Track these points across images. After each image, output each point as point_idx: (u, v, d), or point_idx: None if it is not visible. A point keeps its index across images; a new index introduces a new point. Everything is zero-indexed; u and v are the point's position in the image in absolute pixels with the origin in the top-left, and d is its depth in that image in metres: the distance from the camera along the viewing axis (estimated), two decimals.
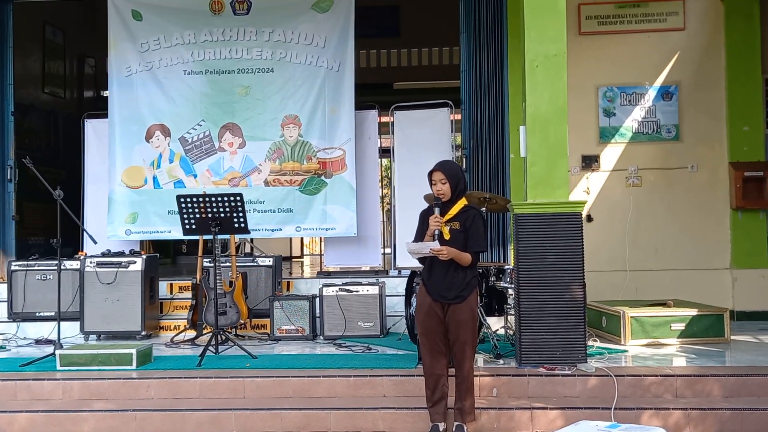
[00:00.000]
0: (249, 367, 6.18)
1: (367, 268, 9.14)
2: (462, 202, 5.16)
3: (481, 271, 7.35)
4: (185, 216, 6.65)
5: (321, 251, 10.04)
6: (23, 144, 11.04)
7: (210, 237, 6.79)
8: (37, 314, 8.20)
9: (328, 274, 9.16)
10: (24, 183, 9.92)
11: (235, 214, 6.60)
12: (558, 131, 6.07)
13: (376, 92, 12.48)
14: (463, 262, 5.03)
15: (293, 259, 15.76)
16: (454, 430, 5.17)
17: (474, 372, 5.25)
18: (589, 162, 8.99)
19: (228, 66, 9.25)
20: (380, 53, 13.80)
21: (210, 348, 6.63)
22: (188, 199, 6.63)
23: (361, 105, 9.50)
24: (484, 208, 6.89)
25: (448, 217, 5.10)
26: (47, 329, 7.97)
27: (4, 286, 8.45)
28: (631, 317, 7.05)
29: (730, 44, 8.85)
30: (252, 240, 11.04)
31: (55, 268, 8.08)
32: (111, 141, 9.35)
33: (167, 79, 9.29)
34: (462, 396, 5.18)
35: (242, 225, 6.69)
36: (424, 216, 5.21)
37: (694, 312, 7.06)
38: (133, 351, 6.23)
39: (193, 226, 6.69)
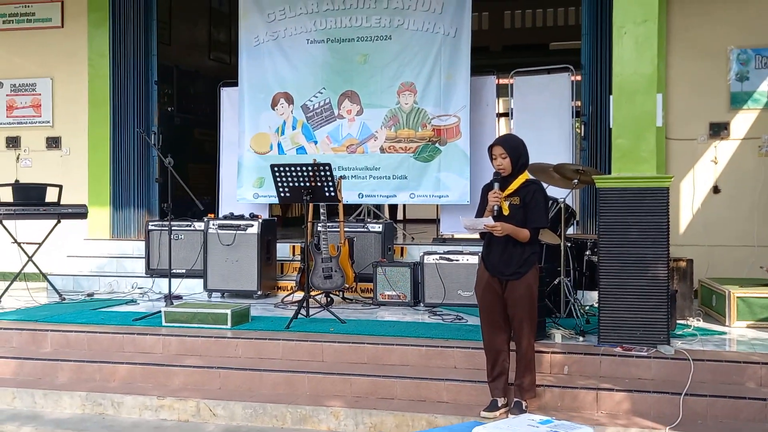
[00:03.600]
0: (332, 331, 6.42)
1: None
2: (523, 177, 5.07)
3: (578, 243, 7.20)
4: (279, 184, 6.93)
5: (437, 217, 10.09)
6: (188, 108, 11.93)
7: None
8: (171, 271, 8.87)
9: (443, 241, 9.23)
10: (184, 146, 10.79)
11: (324, 183, 6.80)
12: (646, 103, 5.77)
13: (496, 55, 12.33)
14: (520, 238, 4.97)
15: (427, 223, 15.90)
16: (512, 406, 5.16)
17: (534, 348, 5.18)
18: (718, 130, 8.44)
19: (348, 34, 9.45)
20: (502, 14, 13.58)
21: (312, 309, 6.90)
22: (281, 169, 6.91)
23: (479, 71, 9.42)
24: (576, 180, 6.71)
25: (507, 192, 5.04)
26: (179, 285, 8.58)
27: (144, 243, 9.17)
28: (738, 297, 6.64)
29: None
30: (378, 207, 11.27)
31: (186, 228, 8.80)
32: (240, 108, 9.85)
33: (291, 48, 9.64)
34: (521, 373, 5.15)
35: (332, 194, 6.89)
36: (486, 191, 5.17)
37: None
38: (229, 311, 6.64)
39: (287, 194, 6.97)
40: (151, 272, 8.97)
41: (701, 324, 6.69)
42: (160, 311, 6.92)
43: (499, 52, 14.10)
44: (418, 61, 9.22)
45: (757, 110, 8.34)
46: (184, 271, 8.67)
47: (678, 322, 6.51)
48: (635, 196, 5.73)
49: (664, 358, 5.49)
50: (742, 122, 8.39)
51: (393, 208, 12.97)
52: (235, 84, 10.01)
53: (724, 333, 6.41)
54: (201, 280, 8.46)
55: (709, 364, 5.40)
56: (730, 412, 5.04)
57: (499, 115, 10.08)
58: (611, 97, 6.00)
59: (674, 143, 8.49)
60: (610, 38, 8.53)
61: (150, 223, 9.07)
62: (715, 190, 8.46)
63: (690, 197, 8.50)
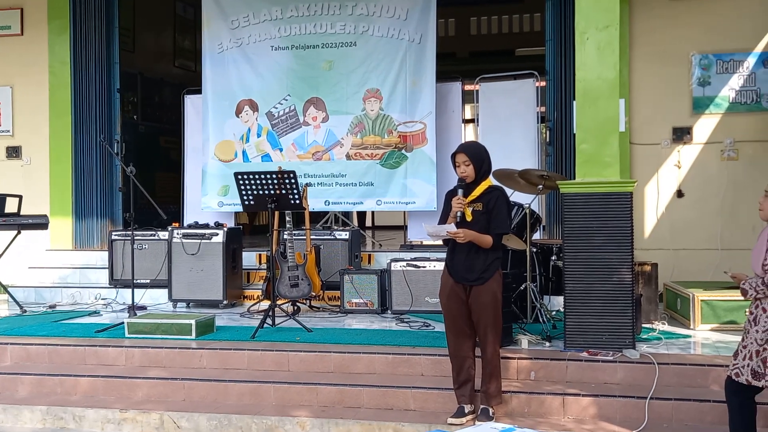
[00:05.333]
0: (299, 340, 6.36)
1: None
2: (486, 183, 5.07)
3: (544, 249, 7.21)
4: (244, 192, 6.87)
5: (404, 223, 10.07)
6: (153, 116, 11.80)
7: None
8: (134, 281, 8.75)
9: (411, 248, 9.19)
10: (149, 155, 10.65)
11: (290, 191, 6.75)
12: (609, 108, 5.78)
13: (462, 62, 12.39)
14: (483, 245, 4.95)
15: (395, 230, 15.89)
16: (479, 412, 5.14)
17: (500, 355, 5.17)
18: (681, 134, 8.51)
19: (313, 41, 9.42)
20: (468, 21, 13.65)
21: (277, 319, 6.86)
22: (246, 177, 6.85)
23: (445, 77, 9.43)
24: (541, 185, 6.72)
25: (471, 198, 5.03)
26: (143, 296, 8.45)
27: (107, 254, 9.03)
28: (702, 300, 6.70)
29: None
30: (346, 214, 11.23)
31: (150, 238, 8.69)
32: (204, 116, 9.77)
33: (256, 54, 9.59)
34: (487, 379, 5.12)
35: (297, 201, 6.84)
36: (449, 197, 5.15)
37: None
38: (193, 321, 6.55)
39: (252, 202, 6.91)
40: (115, 283, 8.84)
41: (666, 327, 6.73)
42: (123, 322, 6.81)
43: (465, 59, 14.17)
44: (383, 68, 9.20)
45: (718, 115, 8.42)
46: (148, 281, 8.57)
47: (643, 325, 6.55)
48: (599, 200, 5.75)
49: (629, 363, 5.50)
50: (704, 127, 8.46)
51: (361, 215, 12.94)
52: (200, 91, 9.93)
53: (688, 336, 6.45)
54: (165, 291, 8.36)
55: (674, 368, 5.43)
56: (695, 416, 5.06)
57: (466, 121, 10.09)
58: (575, 102, 6.02)
59: (638, 148, 8.55)
60: (573, 44, 8.61)
61: (113, 233, 8.95)
62: (679, 194, 8.53)
63: (654, 201, 8.56)
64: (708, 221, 8.43)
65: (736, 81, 8.35)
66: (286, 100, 9.48)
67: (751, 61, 8.32)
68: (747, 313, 4.33)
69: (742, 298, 4.39)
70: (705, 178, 8.47)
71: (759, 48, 8.30)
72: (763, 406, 4.44)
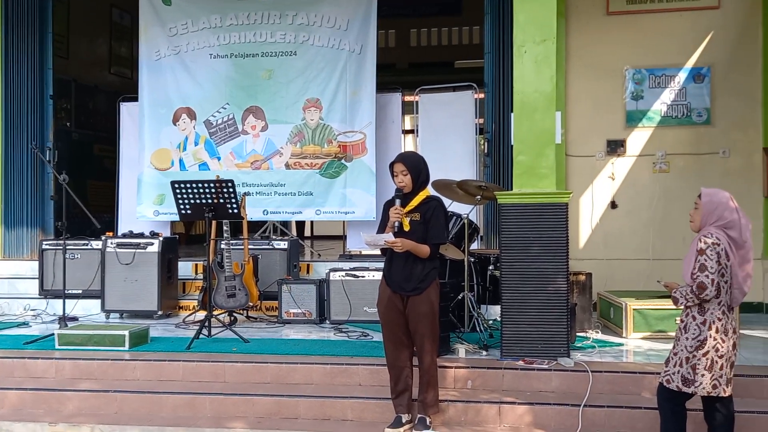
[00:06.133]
0: (235, 351, 6.28)
1: None
2: (424, 193, 5.09)
3: (481, 258, 7.27)
4: (180, 201, 6.78)
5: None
6: (87, 124, 11.55)
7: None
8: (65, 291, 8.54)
9: (350, 258, 9.19)
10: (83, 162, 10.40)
11: (227, 200, 6.68)
12: (545, 120, 5.87)
13: (402, 73, 12.48)
14: (421, 254, 4.97)
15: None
16: (417, 422, 5.14)
17: (437, 364, 5.18)
18: (615, 147, 8.69)
19: (252, 49, 9.36)
20: (408, 32, 13.77)
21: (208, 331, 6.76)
22: (182, 185, 6.77)
23: (385, 87, 9.47)
24: (479, 196, 6.79)
25: (409, 208, 5.04)
26: (74, 306, 8.23)
27: (38, 263, 8.79)
28: (634, 309, 6.83)
29: (767, 23, 8.37)
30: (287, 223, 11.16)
31: (83, 247, 8.49)
32: (141, 124, 9.62)
33: (194, 63, 9.48)
34: (424, 388, 5.13)
35: (235, 211, 6.78)
36: (387, 207, 5.16)
37: None
38: (126, 332, 6.42)
39: (189, 211, 6.82)
40: (45, 293, 8.61)
41: (600, 336, 6.85)
42: (53, 334, 6.64)
43: (405, 70, 14.26)
44: (323, 77, 9.20)
45: (651, 128, 8.63)
46: (80, 291, 8.37)
47: (578, 334, 6.65)
48: (536, 211, 5.82)
49: (564, 371, 5.58)
50: (637, 139, 8.66)
51: (300, 225, 12.86)
52: (136, 99, 9.78)
53: (621, 344, 6.57)
54: (98, 301, 8.18)
55: (607, 375, 5.52)
56: (627, 422, 5.15)
57: (405, 132, 10.15)
58: (513, 114, 6.09)
59: (573, 160, 8.71)
60: (511, 57, 8.74)
61: (44, 242, 8.73)
62: (613, 205, 8.71)
63: (589, 212, 8.72)
64: (640, 232, 8.62)
65: (667, 95, 8.58)
66: (225, 108, 9.40)
67: (682, 76, 8.55)
68: (678, 322, 4.43)
69: (673, 306, 4.49)
70: (637, 190, 8.66)
71: (689, 63, 8.55)
72: (693, 413, 4.53)
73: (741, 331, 6.59)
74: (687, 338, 4.30)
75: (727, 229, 4.28)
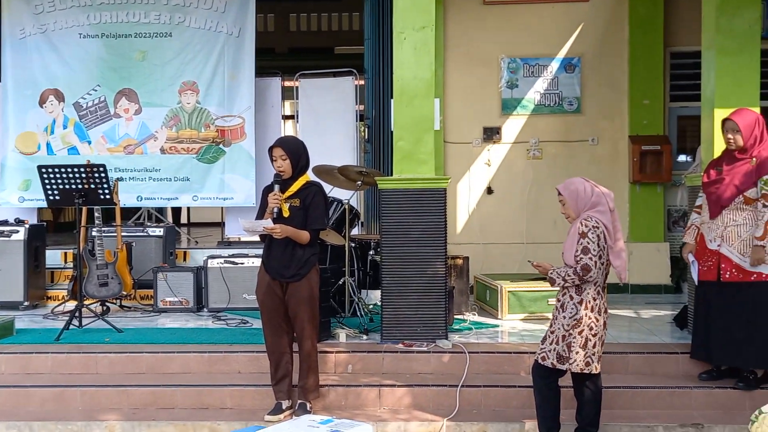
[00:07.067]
0: (108, 341, 6.07)
1: None
2: (304, 179, 5.05)
3: (362, 244, 7.30)
4: (48, 187, 6.48)
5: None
6: None
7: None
8: None
9: (229, 244, 9.02)
10: None
11: (99, 185, 6.43)
12: (424, 106, 5.93)
13: (282, 57, 12.37)
14: (301, 240, 4.94)
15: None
16: (297, 407, 5.12)
17: (317, 349, 5.18)
18: (491, 134, 8.90)
19: (125, 30, 9.04)
20: (287, 17, 13.65)
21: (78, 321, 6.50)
22: (50, 170, 6.47)
23: (264, 72, 9.34)
24: (360, 182, 6.80)
25: (288, 194, 5.00)
26: None
27: None
28: (509, 291, 7.03)
29: (633, 17, 8.74)
30: (162, 210, 10.87)
31: None
32: (4, 106, 9.14)
33: (62, 42, 9.07)
34: (305, 374, 5.11)
35: (107, 196, 6.53)
36: (266, 192, 5.10)
37: None
38: None
39: (57, 197, 6.52)
40: None
41: (477, 318, 7.01)
42: None
43: (284, 55, 14.13)
44: (200, 60, 8.99)
45: (525, 116, 8.88)
46: None
47: (455, 316, 6.79)
48: (415, 196, 5.89)
49: (442, 352, 5.68)
50: (512, 127, 8.90)
51: (176, 211, 12.57)
52: None
53: (497, 326, 6.75)
54: None
55: (483, 356, 5.65)
56: (503, 401, 5.29)
57: (285, 117, 10.05)
58: (392, 100, 6.13)
59: (451, 146, 8.86)
60: (391, 44, 8.81)
61: None
62: (489, 190, 8.92)
63: (466, 198, 8.90)
64: (514, 217, 8.87)
65: (541, 84, 8.85)
66: (96, 90, 9.04)
67: (554, 66, 8.83)
68: (555, 301, 4.58)
69: (549, 287, 4.64)
70: (512, 176, 8.91)
71: (561, 54, 8.84)
72: (564, 389, 4.70)
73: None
74: (564, 317, 4.46)
75: (598, 205, 4.44)
